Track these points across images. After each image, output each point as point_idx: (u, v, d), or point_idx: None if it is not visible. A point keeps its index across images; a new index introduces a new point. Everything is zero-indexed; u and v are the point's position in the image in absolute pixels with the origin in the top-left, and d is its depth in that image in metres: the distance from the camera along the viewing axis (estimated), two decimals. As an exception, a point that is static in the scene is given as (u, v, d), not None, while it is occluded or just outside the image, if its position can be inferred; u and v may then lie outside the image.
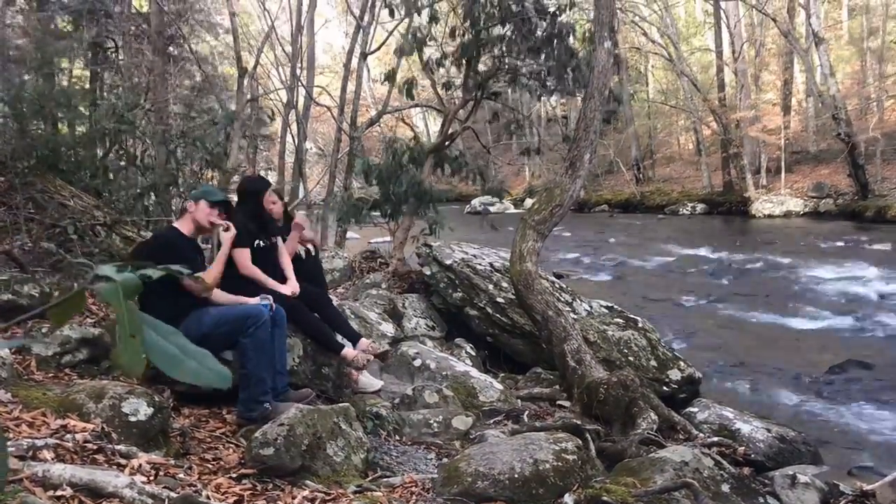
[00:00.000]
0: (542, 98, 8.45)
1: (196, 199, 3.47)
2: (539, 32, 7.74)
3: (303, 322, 3.84)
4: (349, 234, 11.40)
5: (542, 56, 7.84)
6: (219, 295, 3.50)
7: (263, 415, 3.15)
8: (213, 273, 3.43)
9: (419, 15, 8.03)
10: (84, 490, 2.05)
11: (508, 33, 7.85)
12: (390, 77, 8.20)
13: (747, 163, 22.19)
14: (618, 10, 7.82)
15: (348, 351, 3.88)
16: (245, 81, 11.20)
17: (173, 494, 2.16)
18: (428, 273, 6.62)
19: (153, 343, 0.75)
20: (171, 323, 3.03)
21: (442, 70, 8.65)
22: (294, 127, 13.20)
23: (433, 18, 8.07)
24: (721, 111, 22.71)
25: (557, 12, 7.78)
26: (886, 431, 4.70)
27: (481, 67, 8.49)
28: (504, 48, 7.98)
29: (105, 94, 11.21)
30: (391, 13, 8.30)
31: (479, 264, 6.35)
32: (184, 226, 3.48)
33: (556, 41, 7.67)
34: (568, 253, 14.01)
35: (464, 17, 7.78)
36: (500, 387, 4.60)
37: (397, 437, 3.61)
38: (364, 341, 3.99)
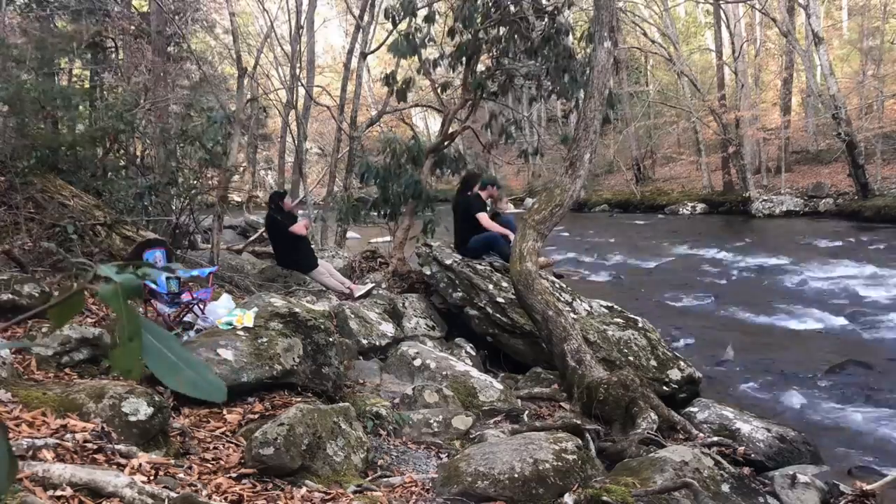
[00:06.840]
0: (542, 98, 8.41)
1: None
2: (537, 32, 7.72)
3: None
4: (349, 234, 11.41)
5: (540, 57, 7.81)
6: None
7: None
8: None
9: (415, 17, 7.99)
10: (84, 490, 2.05)
11: (505, 33, 7.82)
12: (390, 80, 8.16)
13: (747, 162, 22.17)
14: (618, 10, 7.80)
15: None
16: (245, 81, 11.18)
17: (173, 494, 2.16)
18: (428, 273, 6.62)
19: (151, 348, 0.74)
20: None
21: (440, 70, 8.62)
22: (294, 127, 13.20)
23: (429, 19, 8.04)
24: (721, 111, 22.70)
25: (555, 12, 7.75)
26: (886, 431, 4.69)
27: (480, 67, 8.47)
28: (502, 48, 7.95)
29: (105, 93, 11.21)
30: (393, 23, 8.27)
31: (479, 264, 6.35)
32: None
33: (553, 41, 7.65)
34: (568, 253, 14.00)
35: (462, 16, 7.75)
36: (500, 387, 4.59)
37: (397, 438, 3.60)
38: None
